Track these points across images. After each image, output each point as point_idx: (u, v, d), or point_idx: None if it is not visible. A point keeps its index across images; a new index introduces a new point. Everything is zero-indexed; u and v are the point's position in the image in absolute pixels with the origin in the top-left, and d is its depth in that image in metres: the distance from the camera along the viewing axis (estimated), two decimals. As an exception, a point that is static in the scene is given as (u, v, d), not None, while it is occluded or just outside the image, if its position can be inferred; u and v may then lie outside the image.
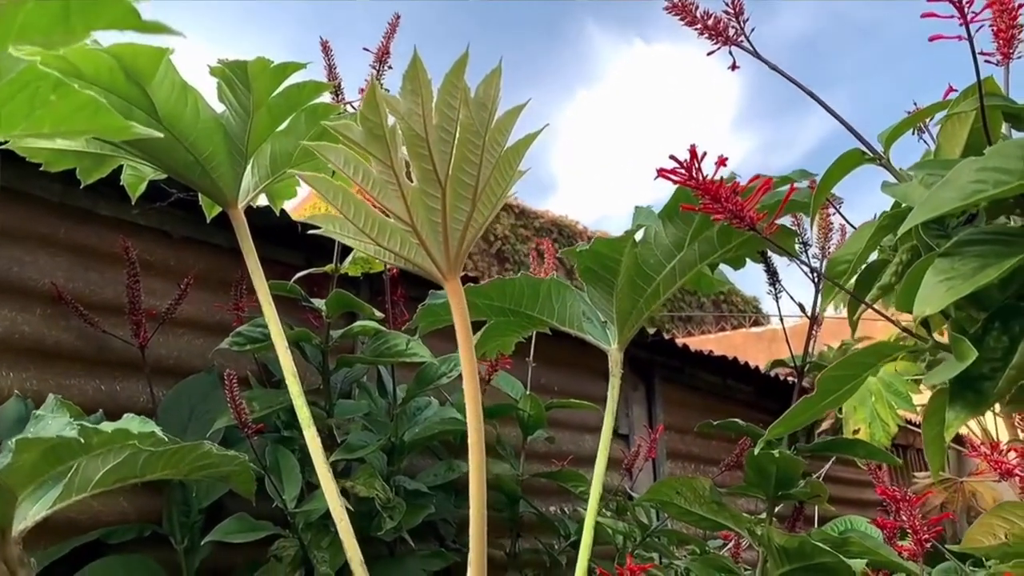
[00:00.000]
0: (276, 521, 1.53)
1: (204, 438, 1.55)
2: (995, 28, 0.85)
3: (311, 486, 1.57)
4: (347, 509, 1.49)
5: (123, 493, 1.59)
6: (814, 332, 1.60)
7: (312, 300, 1.61)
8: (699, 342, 5.27)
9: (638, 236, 1.28)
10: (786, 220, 1.53)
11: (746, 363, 3.38)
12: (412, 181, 0.77)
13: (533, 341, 2.25)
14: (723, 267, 1.45)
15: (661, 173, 0.83)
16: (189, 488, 1.56)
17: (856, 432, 2.34)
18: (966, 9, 0.68)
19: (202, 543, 1.44)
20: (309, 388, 1.79)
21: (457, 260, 0.83)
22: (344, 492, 1.56)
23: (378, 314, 1.58)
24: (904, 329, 0.74)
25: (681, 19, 0.90)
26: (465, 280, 2.08)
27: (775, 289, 1.59)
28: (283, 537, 1.50)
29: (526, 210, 10.63)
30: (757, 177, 0.81)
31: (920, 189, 0.71)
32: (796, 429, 0.74)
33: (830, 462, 2.32)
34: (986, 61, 0.87)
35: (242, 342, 1.52)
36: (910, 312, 0.67)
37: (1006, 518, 1.02)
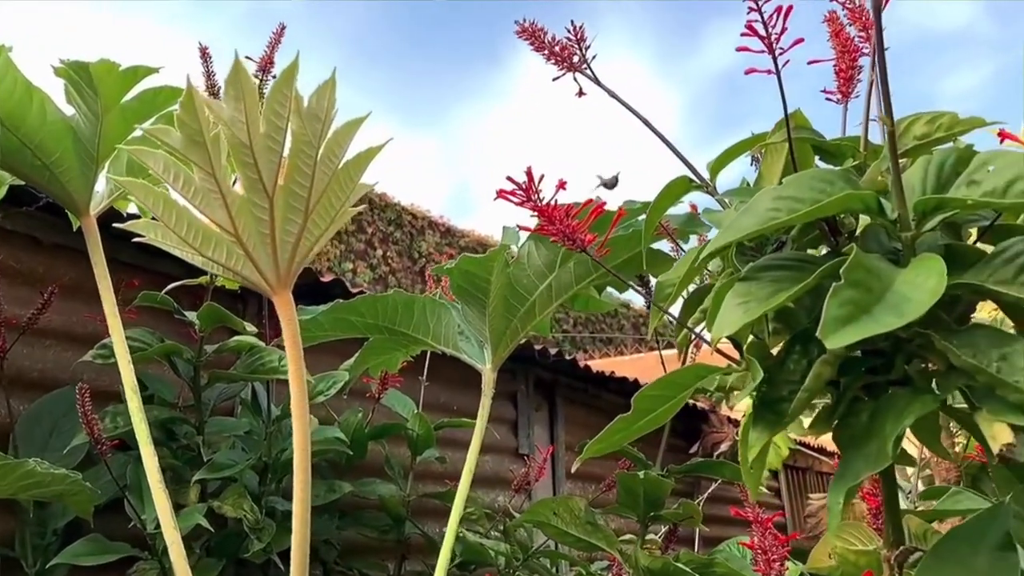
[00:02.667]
0: (137, 542, 1.47)
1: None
2: (836, 68, 0.90)
3: (178, 506, 1.51)
4: (210, 530, 1.45)
5: (-29, 513, 1.49)
6: (692, 354, 1.64)
7: (185, 313, 1.56)
8: (612, 363, 5.33)
9: (513, 255, 1.29)
10: (665, 247, 1.58)
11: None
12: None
13: (428, 359, 2.23)
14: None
15: (500, 194, 0.83)
16: (45, 508, 1.48)
17: (751, 454, 2.41)
18: (775, 45, 0.71)
19: (48, 566, 1.37)
20: (185, 404, 1.74)
21: (288, 274, 0.81)
22: (211, 512, 1.50)
23: (251, 328, 1.54)
24: (720, 351, 0.75)
25: (530, 44, 0.91)
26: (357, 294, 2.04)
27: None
28: (142, 559, 1.43)
29: (452, 228, 10.61)
30: (590, 201, 0.82)
31: (733, 215, 0.73)
32: (612, 449, 0.74)
33: (717, 482, 2.36)
34: (827, 99, 0.91)
35: (107, 354, 1.46)
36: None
37: (843, 538, 1.05)
